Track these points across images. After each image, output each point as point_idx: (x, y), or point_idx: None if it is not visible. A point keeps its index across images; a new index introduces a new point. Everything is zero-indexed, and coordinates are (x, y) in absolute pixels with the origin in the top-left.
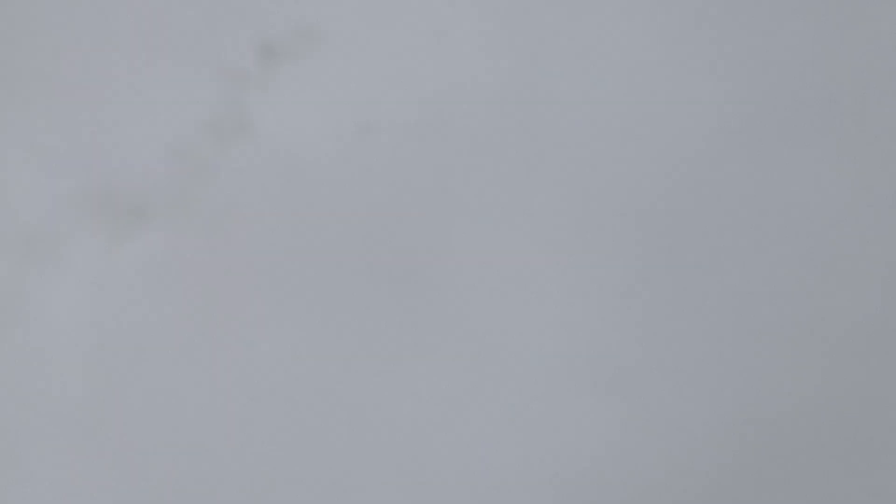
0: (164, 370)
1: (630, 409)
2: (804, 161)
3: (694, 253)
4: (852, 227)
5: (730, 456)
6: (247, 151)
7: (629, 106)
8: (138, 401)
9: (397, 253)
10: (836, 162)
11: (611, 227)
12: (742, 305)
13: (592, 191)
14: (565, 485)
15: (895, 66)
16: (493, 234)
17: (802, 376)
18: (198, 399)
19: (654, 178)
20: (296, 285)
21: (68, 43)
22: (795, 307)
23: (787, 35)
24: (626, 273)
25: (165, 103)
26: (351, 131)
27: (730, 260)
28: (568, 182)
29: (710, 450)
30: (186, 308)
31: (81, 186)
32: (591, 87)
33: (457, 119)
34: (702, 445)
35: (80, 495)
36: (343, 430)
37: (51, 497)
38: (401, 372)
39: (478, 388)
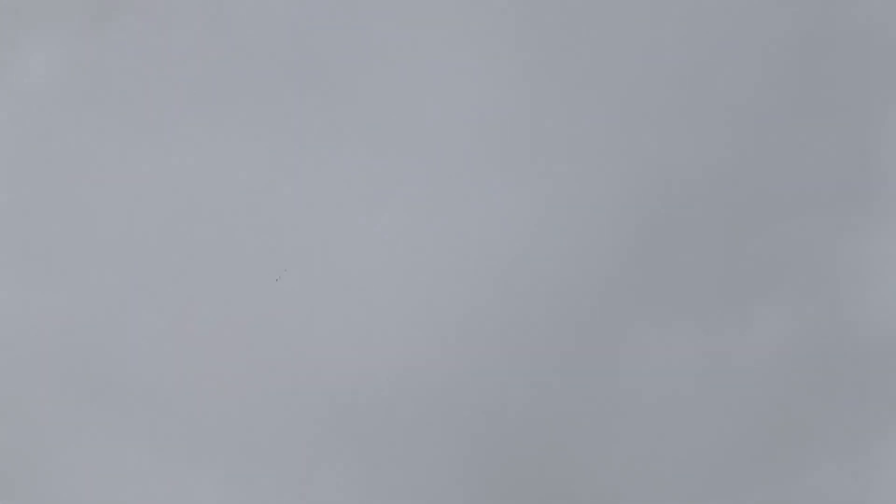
0: (106, 165)
1: (542, 185)
2: None
3: (596, 28)
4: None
5: (637, 223)
6: None
7: None
8: (81, 193)
9: (321, 42)
10: None
11: (516, 7)
12: (643, 79)
13: None
14: (482, 263)
15: None
16: (410, 23)
17: (701, 146)
18: (142, 191)
19: None
20: (231, 77)
21: None
22: (692, 78)
23: None
24: (534, 54)
25: None
26: None
27: (631, 36)
28: None
29: (619, 220)
30: (120, 108)
31: None
32: None
33: None
34: (611, 216)
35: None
36: (271, 215)
37: None
38: (324, 156)
39: (395, 173)
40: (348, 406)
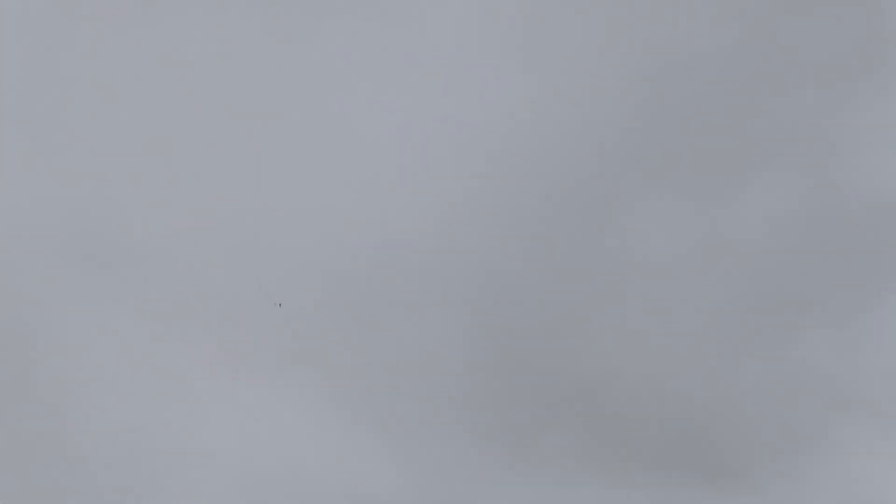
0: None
1: (545, 59)
2: None
3: None
4: None
5: (638, 98)
6: None
7: None
8: (80, 88)
9: None
10: None
11: None
12: None
13: None
14: (486, 135)
15: None
16: None
17: (700, 23)
18: (140, 80)
19: None
20: None
21: None
22: None
23: None
24: None
25: None
26: None
27: None
28: None
29: (620, 96)
30: None
31: None
32: None
33: None
34: (612, 92)
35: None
36: (274, 87)
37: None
38: (331, 35)
39: (399, 50)
40: (347, 275)
